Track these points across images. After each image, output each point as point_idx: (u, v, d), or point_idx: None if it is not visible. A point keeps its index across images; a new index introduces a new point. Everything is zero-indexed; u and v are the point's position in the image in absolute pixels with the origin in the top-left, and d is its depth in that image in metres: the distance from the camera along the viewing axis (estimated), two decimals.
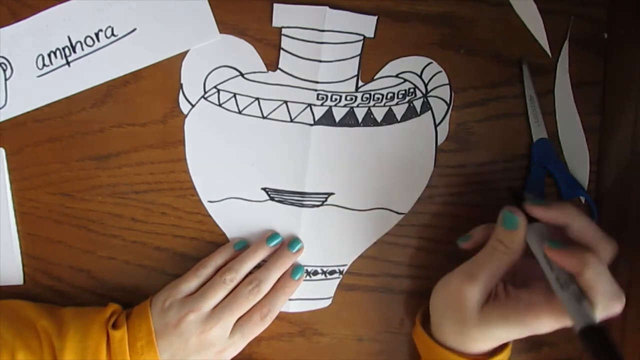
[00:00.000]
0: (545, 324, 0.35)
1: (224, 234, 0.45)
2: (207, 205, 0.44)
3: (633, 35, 0.42)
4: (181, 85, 0.43)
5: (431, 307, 0.41)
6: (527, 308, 0.36)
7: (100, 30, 0.42)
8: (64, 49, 0.42)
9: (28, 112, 0.43)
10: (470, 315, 0.37)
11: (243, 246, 0.44)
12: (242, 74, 0.43)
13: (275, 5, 0.42)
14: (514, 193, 0.39)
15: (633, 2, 0.42)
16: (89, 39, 0.42)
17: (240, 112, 0.43)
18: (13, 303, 0.42)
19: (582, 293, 0.33)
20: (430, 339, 0.40)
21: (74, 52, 0.42)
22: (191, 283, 0.42)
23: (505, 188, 0.40)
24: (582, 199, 0.45)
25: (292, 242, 0.44)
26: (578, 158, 0.45)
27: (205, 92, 0.43)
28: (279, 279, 0.44)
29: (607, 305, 0.33)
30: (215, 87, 0.43)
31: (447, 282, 0.39)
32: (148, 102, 0.43)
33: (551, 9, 0.43)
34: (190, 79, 0.43)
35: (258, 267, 0.43)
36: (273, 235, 0.44)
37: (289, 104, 0.43)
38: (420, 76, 0.44)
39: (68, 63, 0.42)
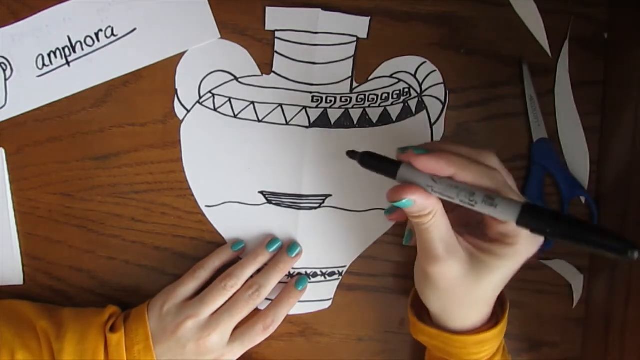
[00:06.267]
0: (524, 240, 0.33)
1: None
2: (205, 210, 0.44)
3: (633, 35, 0.42)
4: (176, 90, 0.43)
5: (425, 301, 0.39)
6: (501, 239, 0.34)
7: (100, 30, 0.42)
8: (64, 49, 0.42)
9: (28, 112, 0.43)
10: (469, 279, 0.35)
11: (240, 247, 0.44)
12: (236, 78, 0.43)
13: (267, 8, 0.42)
14: (352, 154, 0.36)
15: (633, 2, 0.42)
16: (89, 39, 0.42)
17: (235, 116, 0.43)
18: (13, 303, 0.42)
19: (487, 193, 0.31)
20: (440, 330, 0.38)
21: (74, 52, 0.42)
22: (189, 286, 0.42)
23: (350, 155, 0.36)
24: (582, 199, 0.45)
25: (290, 247, 0.44)
26: (578, 158, 0.45)
27: (200, 97, 0.43)
28: (283, 290, 0.44)
29: (498, 179, 0.32)
30: (210, 91, 0.43)
31: (424, 278, 0.37)
32: (148, 102, 0.43)
33: (551, 9, 0.43)
34: (185, 85, 0.43)
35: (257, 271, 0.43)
36: (273, 240, 0.44)
37: (284, 106, 0.43)
38: (414, 76, 0.44)
39: (68, 63, 0.42)
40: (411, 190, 0.32)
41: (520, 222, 0.31)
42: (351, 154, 0.36)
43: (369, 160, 0.35)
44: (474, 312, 0.37)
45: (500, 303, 0.39)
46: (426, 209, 0.33)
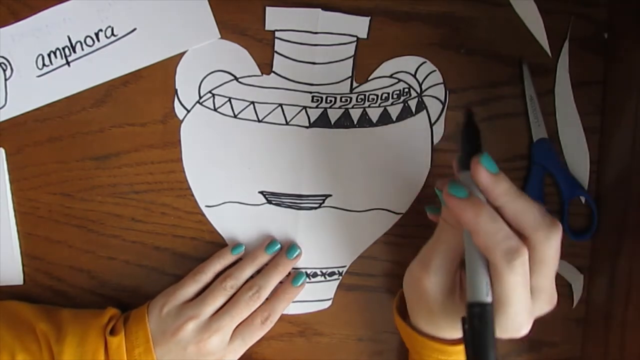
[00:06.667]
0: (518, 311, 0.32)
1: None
2: (205, 210, 0.44)
3: (633, 35, 0.42)
4: (176, 90, 0.43)
5: (405, 296, 0.40)
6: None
7: (100, 30, 0.42)
8: (64, 49, 0.42)
9: (28, 112, 0.43)
10: (435, 306, 0.35)
11: (240, 251, 0.44)
12: (236, 78, 0.43)
13: (267, 8, 0.42)
14: (468, 114, 0.34)
15: (633, 2, 0.42)
16: (89, 39, 0.42)
17: (235, 117, 0.43)
18: (12, 305, 0.42)
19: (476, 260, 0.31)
20: (407, 326, 0.39)
21: (74, 52, 0.42)
22: (189, 289, 0.42)
23: (464, 109, 0.35)
24: (582, 199, 0.45)
25: (290, 249, 0.44)
26: (578, 158, 0.45)
27: (200, 97, 0.43)
28: (280, 284, 0.44)
29: (510, 259, 0.29)
30: (210, 91, 0.43)
31: (410, 271, 0.37)
32: (148, 102, 0.43)
33: (551, 9, 0.43)
34: (185, 85, 0.43)
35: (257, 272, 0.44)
36: (272, 242, 0.44)
37: (284, 107, 0.43)
38: (414, 76, 0.44)
39: (68, 63, 0.42)
40: (454, 199, 0.31)
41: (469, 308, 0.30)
42: (466, 114, 0.34)
43: (468, 135, 0.33)
44: (434, 329, 0.38)
45: None
46: (450, 219, 0.33)
